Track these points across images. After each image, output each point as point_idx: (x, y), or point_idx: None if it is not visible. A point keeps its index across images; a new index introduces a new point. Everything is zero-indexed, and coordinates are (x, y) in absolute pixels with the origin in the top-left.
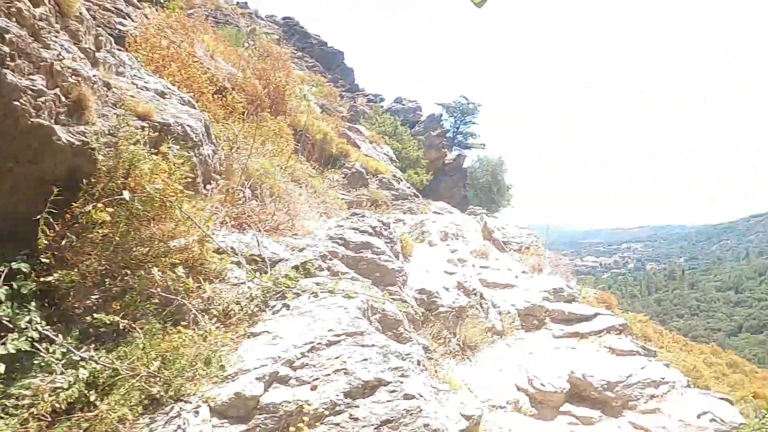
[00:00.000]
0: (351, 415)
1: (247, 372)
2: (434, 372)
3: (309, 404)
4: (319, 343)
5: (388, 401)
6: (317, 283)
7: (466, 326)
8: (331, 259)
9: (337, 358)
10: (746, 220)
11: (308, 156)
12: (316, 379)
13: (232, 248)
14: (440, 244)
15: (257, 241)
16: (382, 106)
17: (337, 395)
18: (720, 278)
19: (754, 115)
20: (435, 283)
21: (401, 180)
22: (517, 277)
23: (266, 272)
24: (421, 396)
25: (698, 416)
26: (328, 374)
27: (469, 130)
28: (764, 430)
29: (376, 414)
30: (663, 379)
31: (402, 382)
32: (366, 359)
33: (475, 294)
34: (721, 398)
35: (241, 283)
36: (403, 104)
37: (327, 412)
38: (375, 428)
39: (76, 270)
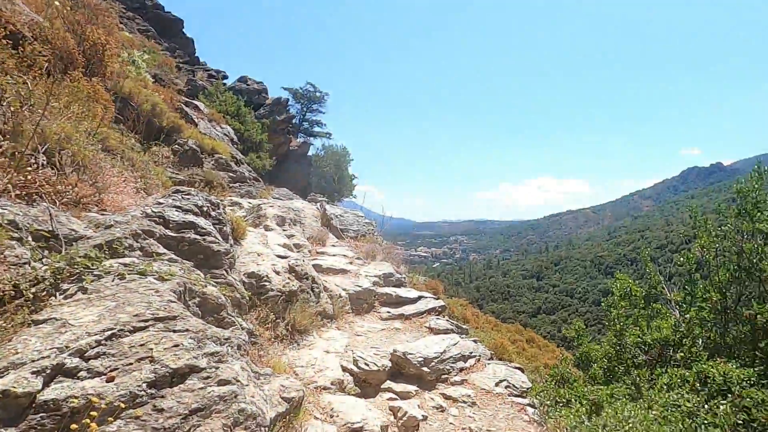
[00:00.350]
0: (155, 406)
1: (22, 365)
2: (258, 357)
3: (102, 398)
4: (122, 330)
5: (200, 389)
6: (125, 264)
7: (296, 310)
8: (145, 239)
9: (142, 345)
10: (547, 218)
11: (132, 127)
12: (114, 369)
13: (11, 221)
14: (277, 229)
15: (50, 214)
16: (224, 84)
17: (139, 386)
18: (526, 267)
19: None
20: (266, 267)
21: (242, 163)
22: (351, 263)
23: (60, 251)
24: (238, 381)
25: (497, 384)
26: (130, 363)
27: (315, 119)
28: (545, 390)
29: (185, 403)
30: (471, 353)
31: (217, 368)
32: (177, 345)
33: (307, 278)
34: (515, 367)
35: (24, 263)
36: (248, 84)
37: (125, 405)
38: (183, 418)
39: None
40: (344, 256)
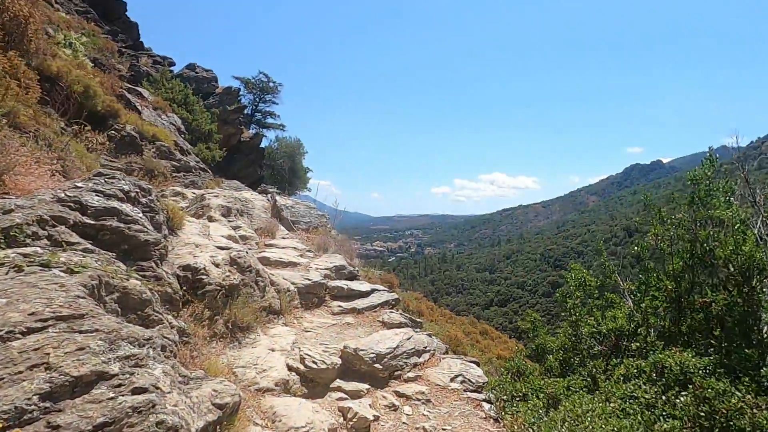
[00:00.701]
0: (49, 422)
1: None
2: (191, 358)
3: None
4: (11, 332)
5: (109, 399)
6: (25, 255)
7: (238, 305)
8: (54, 226)
9: (37, 349)
10: (500, 213)
11: (61, 110)
12: None
13: None
14: (221, 220)
15: None
16: (171, 71)
17: (28, 399)
18: (479, 261)
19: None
20: (203, 259)
21: (188, 152)
22: (301, 255)
23: None
24: (158, 388)
25: (452, 379)
26: (20, 372)
27: (268, 110)
28: (501, 385)
29: (89, 417)
30: (426, 348)
31: (133, 374)
32: (82, 348)
33: (250, 271)
34: (471, 361)
35: None
36: (196, 72)
37: (7, 424)
38: None
39: None
40: (294, 248)
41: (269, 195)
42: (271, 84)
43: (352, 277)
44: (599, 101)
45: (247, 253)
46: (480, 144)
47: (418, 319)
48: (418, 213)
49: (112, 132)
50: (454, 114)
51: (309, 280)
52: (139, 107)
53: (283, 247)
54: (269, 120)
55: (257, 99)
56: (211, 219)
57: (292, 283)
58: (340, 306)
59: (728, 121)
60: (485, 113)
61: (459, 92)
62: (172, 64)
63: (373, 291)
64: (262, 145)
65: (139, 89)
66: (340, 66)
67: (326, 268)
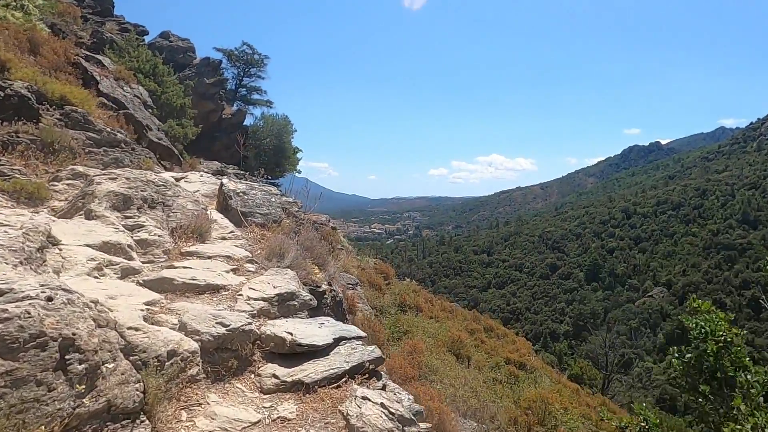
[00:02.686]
0: None
1: None
2: None
3: None
4: None
5: None
6: None
7: None
8: None
9: None
10: (498, 195)
11: None
12: None
13: None
14: (108, 217)
15: None
16: (143, 40)
17: None
18: (477, 243)
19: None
20: None
21: (149, 128)
22: (235, 270)
23: None
24: None
25: None
26: None
27: (253, 85)
28: None
29: None
30: None
31: None
32: None
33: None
34: None
35: None
36: (170, 41)
37: None
38: None
39: None
40: (228, 257)
41: (225, 178)
42: (256, 56)
43: (308, 309)
44: (596, 82)
45: (67, 297)
46: (478, 126)
47: (418, 407)
48: (416, 195)
49: None
50: (451, 96)
51: (225, 325)
52: (98, 77)
53: (210, 257)
54: (255, 96)
55: (241, 73)
56: (91, 215)
57: (195, 333)
58: (275, 377)
59: (727, 102)
60: (482, 95)
61: (456, 73)
62: (144, 32)
63: (339, 341)
64: (246, 122)
65: (99, 57)
66: (334, 46)
67: (265, 297)
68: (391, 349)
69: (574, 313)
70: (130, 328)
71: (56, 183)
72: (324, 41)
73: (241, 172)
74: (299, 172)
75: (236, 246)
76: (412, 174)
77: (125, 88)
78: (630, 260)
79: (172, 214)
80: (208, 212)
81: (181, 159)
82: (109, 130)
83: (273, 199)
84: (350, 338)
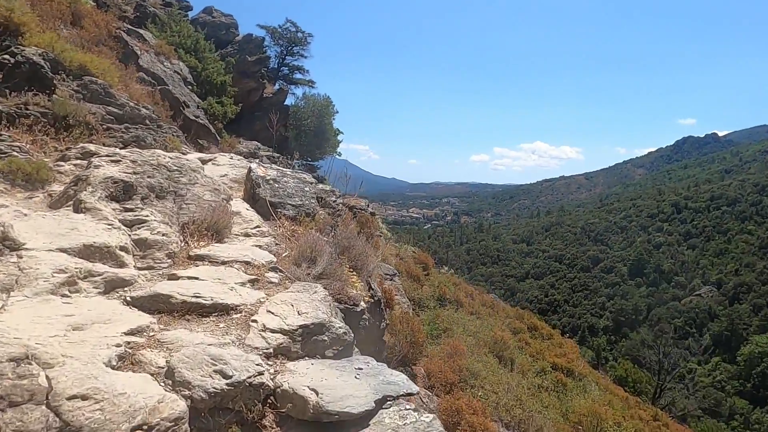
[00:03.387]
0: None
1: None
2: None
3: None
4: None
5: None
6: None
7: None
8: None
9: None
10: (540, 183)
11: None
12: None
13: None
14: (104, 209)
15: None
16: (185, 14)
17: None
18: (516, 232)
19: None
20: None
21: (187, 104)
22: (254, 282)
23: None
24: None
25: None
26: None
27: (296, 64)
28: None
29: None
30: None
31: None
32: None
33: None
34: None
35: None
36: (213, 16)
37: None
38: None
39: None
40: (246, 264)
41: (255, 163)
42: (299, 35)
43: (341, 343)
44: (650, 69)
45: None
46: (522, 112)
47: None
48: (456, 181)
49: (5, 57)
50: (496, 81)
51: (227, 376)
52: (138, 51)
53: (225, 262)
54: (297, 75)
55: (284, 51)
56: (81, 207)
57: (185, 386)
58: None
59: None
60: (529, 80)
61: (502, 58)
62: (188, 7)
63: (382, 403)
64: (287, 102)
65: (141, 31)
66: (379, 28)
67: (286, 330)
68: (430, 347)
69: (615, 308)
70: (73, 397)
71: (62, 163)
72: (369, 23)
73: (275, 154)
74: (339, 154)
75: (259, 246)
76: (452, 160)
77: (165, 64)
78: (678, 256)
79: (185, 206)
80: (231, 203)
81: (218, 138)
82: (132, 104)
83: (307, 189)
84: (398, 396)
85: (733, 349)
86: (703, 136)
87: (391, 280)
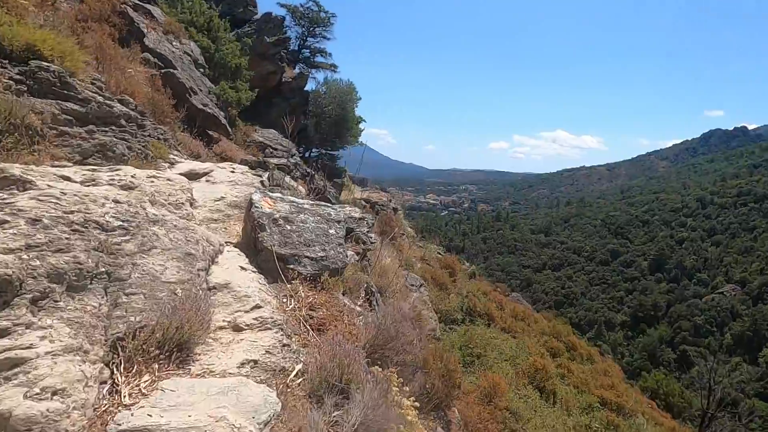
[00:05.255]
0: None
1: None
2: None
3: None
4: None
5: None
6: None
7: None
8: None
9: None
10: (560, 173)
11: None
12: None
13: None
14: None
15: None
16: None
17: None
18: (535, 222)
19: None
20: None
21: (195, 91)
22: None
23: None
24: None
25: None
26: None
27: (318, 46)
28: None
29: None
30: None
31: None
32: None
33: None
34: None
35: None
36: None
37: None
38: None
39: None
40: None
41: (265, 177)
42: (322, 14)
43: None
44: (678, 58)
45: None
46: (543, 99)
47: None
48: (474, 168)
49: None
50: (517, 67)
51: None
52: (145, 29)
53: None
54: (318, 59)
55: (305, 32)
56: None
57: None
58: None
59: None
60: (550, 66)
61: (523, 45)
62: None
63: None
64: (307, 87)
65: (149, 7)
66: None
67: None
68: (465, 379)
69: (633, 304)
70: None
71: None
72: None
73: (292, 161)
74: (361, 144)
75: (254, 363)
76: (471, 146)
77: (174, 44)
78: (701, 253)
79: (124, 300)
80: (220, 259)
81: (230, 129)
82: (100, 99)
83: (332, 231)
84: None
85: (754, 349)
86: (731, 129)
87: (418, 290)
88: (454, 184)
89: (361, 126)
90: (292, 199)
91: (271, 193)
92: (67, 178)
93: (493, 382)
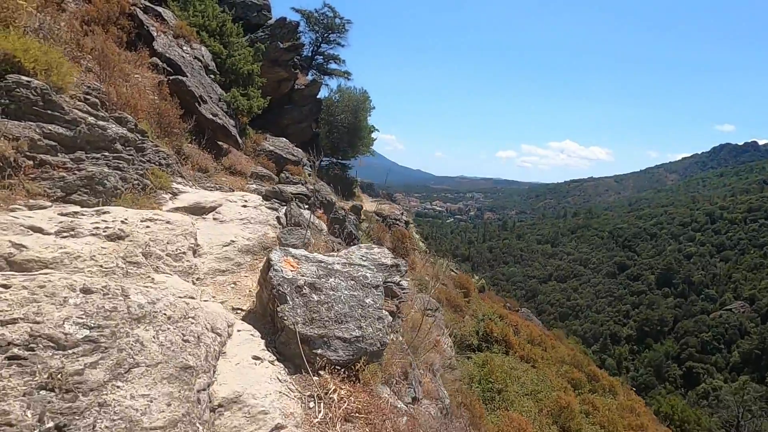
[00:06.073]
0: None
1: None
2: None
3: None
4: None
5: None
6: None
7: None
8: None
9: None
10: (567, 183)
11: None
12: None
13: None
14: None
15: None
16: None
17: None
18: (541, 232)
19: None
20: None
21: (203, 100)
22: None
23: None
24: None
25: None
26: None
27: (332, 53)
28: None
29: None
30: None
31: None
32: None
33: None
34: None
35: None
36: None
37: None
38: None
39: None
40: None
41: (275, 215)
42: (337, 20)
43: None
44: (689, 71)
45: None
46: (552, 109)
47: None
48: (481, 176)
49: None
50: (527, 77)
51: None
52: (154, 32)
53: None
54: (332, 65)
55: (319, 38)
56: None
57: None
58: None
59: None
60: (560, 77)
61: (533, 54)
62: None
63: None
64: (320, 95)
65: (160, 9)
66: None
67: None
68: (487, 419)
69: (639, 318)
70: None
71: None
72: (400, 9)
73: (309, 189)
74: (373, 154)
75: None
76: (478, 154)
77: (184, 48)
78: (709, 268)
79: None
80: (229, 345)
81: (239, 140)
82: (92, 120)
83: (369, 299)
84: None
85: (762, 368)
86: (741, 143)
87: (433, 315)
88: (460, 191)
89: (373, 135)
90: (320, 258)
91: (293, 250)
92: (39, 230)
93: (518, 428)
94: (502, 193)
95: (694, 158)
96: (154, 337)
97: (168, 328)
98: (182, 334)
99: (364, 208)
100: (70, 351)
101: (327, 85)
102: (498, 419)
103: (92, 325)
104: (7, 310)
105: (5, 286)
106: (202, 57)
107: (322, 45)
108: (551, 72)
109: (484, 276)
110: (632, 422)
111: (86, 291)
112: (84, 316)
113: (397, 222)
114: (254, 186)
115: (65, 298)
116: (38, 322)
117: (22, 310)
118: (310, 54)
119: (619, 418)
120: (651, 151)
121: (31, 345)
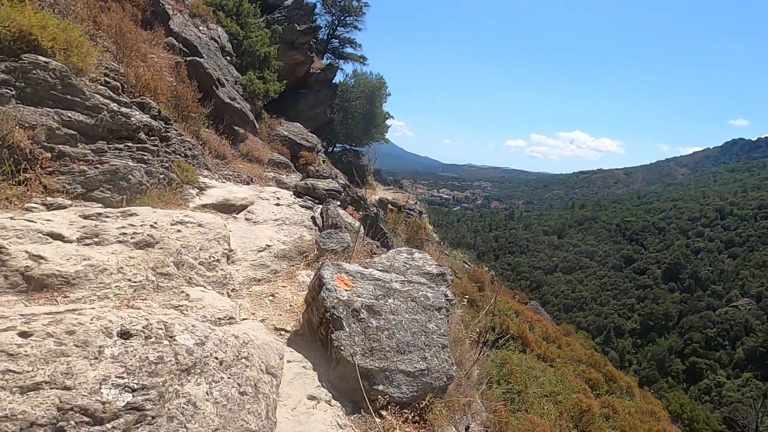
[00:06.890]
0: None
1: None
2: None
3: None
4: None
5: None
6: None
7: None
8: None
9: None
10: (576, 174)
11: None
12: None
13: None
14: None
15: None
16: None
17: None
18: (548, 223)
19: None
20: None
21: (222, 82)
22: None
23: None
24: None
25: None
26: None
27: (348, 36)
28: None
29: None
30: None
31: None
32: None
33: None
34: None
35: None
36: None
37: None
38: None
39: None
40: None
41: (311, 215)
42: (354, 3)
43: None
44: (703, 65)
45: None
46: (563, 99)
47: None
48: (489, 164)
49: None
50: (539, 64)
51: None
52: (170, 10)
53: None
54: (348, 49)
55: (336, 21)
56: None
57: None
58: None
59: None
60: (573, 66)
61: (548, 41)
62: None
63: None
64: (336, 80)
65: None
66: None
67: None
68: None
69: (644, 312)
70: None
71: None
72: None
73: (340, 183)
74: (387, 141)
75: None
76: (487, 143)
77: (201, 28)
78: (717, 264)
79: None
80: (278, 374)
81: (256, 125)
82: (114, 106)
83: (432, 324)
84: None
85: (766, 366)
86: (755, 139)
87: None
88: (468, 179)
89: (388, 122)
90: (378, 275)
91: (346, 265)
92: (59, 236)
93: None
94: (510, 182)
95: (706, 153)
96: (207, 393)
97: (221, 378)
98: (237, 384)
99: (378, 197)
100: (108, 426)
101: (342, 69)
102: (519, 423)
103: (135, 386)
104: (28, 372)
105: (25, 334)
106: (219, 38)
107: (338, 28)
108: (563, 63)
109: (490, 265)
110: (653, 427)
111: (125, 335)
112: (125, 374)
113: (412, 212)
114: (272, 174)
115: (100, 348)
116: (68, 388)
117: (47, 369)
118: (325, 37)
119: (639, 422)
120: (662, 145)
121: (61, 423)
